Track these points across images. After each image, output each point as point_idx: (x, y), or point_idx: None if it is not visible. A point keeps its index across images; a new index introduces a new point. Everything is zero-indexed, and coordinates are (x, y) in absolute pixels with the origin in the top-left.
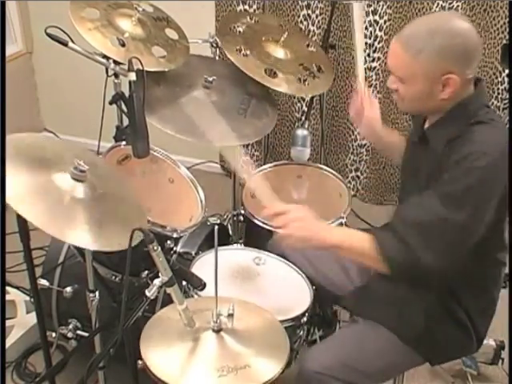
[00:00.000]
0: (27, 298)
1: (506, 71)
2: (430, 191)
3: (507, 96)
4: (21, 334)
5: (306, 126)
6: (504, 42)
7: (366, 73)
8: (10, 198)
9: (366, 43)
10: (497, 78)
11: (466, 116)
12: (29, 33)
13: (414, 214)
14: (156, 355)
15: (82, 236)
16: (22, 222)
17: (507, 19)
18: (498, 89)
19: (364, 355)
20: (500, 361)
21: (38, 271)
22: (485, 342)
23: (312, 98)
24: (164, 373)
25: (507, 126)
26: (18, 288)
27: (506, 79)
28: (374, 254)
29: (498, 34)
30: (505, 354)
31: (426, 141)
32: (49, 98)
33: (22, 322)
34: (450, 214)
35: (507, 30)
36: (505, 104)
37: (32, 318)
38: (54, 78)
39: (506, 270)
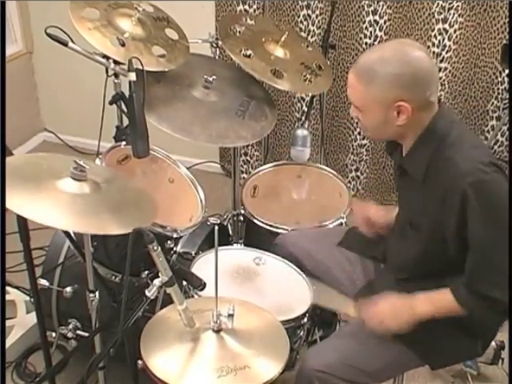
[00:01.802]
0: (27, 298)
1: (506, 71)
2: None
3: (507, 96)
4: (21, 334)
5: (306, 126)
6: (504, 42)
7: None
8: (30, 215)
9: (366, 43)
10: (497, 78)
11: (436, 137)
12: (29, 33)
13: (471, 264)
14: (156, 355)
15: (108, 225)
16: (22, 222)
17: (507, 19)
18: (498, 89)
19: (365, 354)
20: (500, 361)
21: (38, 271)
22: None
23: (312, 97)
24: (164, 373)
25: (506, 126)
26: (18, 288)
27: (506, 79)
28: (459, 309)
29: (498, 34)
30: (505, 354)
31: (405, 171)
32: (49, 98)
33: (22, 322)
34: (489, 245)
35: (507, 29)
36: (505, 104)
37: (32, 318)
38: (54, 78)
39: None
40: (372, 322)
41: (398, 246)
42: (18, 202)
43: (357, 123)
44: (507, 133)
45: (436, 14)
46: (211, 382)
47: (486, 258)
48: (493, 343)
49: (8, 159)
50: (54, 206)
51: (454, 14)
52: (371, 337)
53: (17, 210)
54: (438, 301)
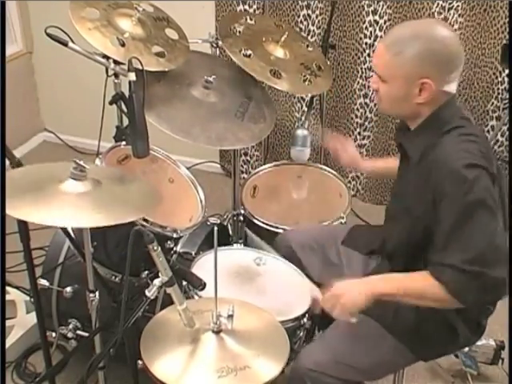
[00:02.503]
0: (27, 298)
1: (506, 71)
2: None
3: (507, 96)
4: (21, 334)
5: (306, 126)
6: (504, 42)
7: (366, 73)
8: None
9: (366, 43)
10: (497, 78)
11: (438, 124)
12: (29, 33)
13: (459, 244)
14: (156, 357)
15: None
16: (22, 222)
17: (507, 19)
18: (498, 89)
19: (356, 352)
20: (500, 361)
21: (38, 271)
22: (485, 341)
23: (312, 97)
24: (164, 374)
25: (506, 126)
26: (18, 288)
27: (506, 79)
28: (440, 291)
29: (498, 34)
30: (505, 354)
31: (405, 152)
32: (49, 98)
33: (22, 321)
34: (481, 222)
35: (507, 29)
36: (505, 104)
37: (32, 318)
38: (54, 77)
39: None
40: (329, 304)
41: (392, 231)
42: (25, 211)
43: (357, 123)
44: (507, 133)
45: (436, 14)
46: (211, 382)
47: (457, 233)
48: (493, 343)
49: (8, 173)
50: (59, 207)
51: (453, 14)
52: (362, 334)
53: (25, 218)
54: (406, 276)
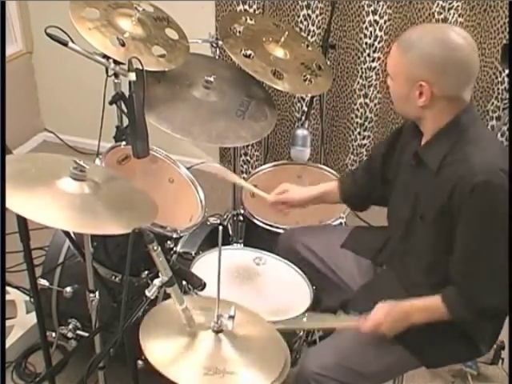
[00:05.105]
0: (27, 298)
1: (506, 71)
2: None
3: (507, 96)
4: (21, 334)
5: (306, 126)
6: (504, 41)
7: (366, 73)
8: (35, 217)
9: (366, 43)
10: (497, 78)
11: (457, 133)
12: (29, 33)
13: (466, 267)
14: (153, 340)
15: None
16: (22, 222)
17: (507, 19)
18: (498, 89)
19: (363, 357)
20: (500, 361)
21: (38, 271)
22: None
23: (312, 97)
24: (155, 359)
25: (506, 126)
26: (18, 288)
27: (506, 79)
28: (447, 315)
29: (498, 34)
30: (505, 354)
31: (421, 161)
32: (49, 98)
33: (22, 321)
34: (489, 249)
35: (507, 29)
36: (505, 104)
37: (32, 318)
38: (54, 78)
39: None
40: (366, 328)
41: (406, 247)
42: (16, 201)
43: (357, 123)
44: (507, 133)
45: (436, 14)
46: (196, 376)
47: (477, 266)
48: None
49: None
50: (52, 206)
51: (453, 13)
52: (369, 339)
53: (16, 210)
54: (433, 309)
